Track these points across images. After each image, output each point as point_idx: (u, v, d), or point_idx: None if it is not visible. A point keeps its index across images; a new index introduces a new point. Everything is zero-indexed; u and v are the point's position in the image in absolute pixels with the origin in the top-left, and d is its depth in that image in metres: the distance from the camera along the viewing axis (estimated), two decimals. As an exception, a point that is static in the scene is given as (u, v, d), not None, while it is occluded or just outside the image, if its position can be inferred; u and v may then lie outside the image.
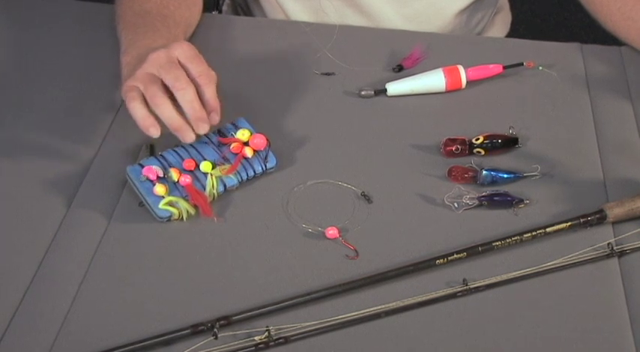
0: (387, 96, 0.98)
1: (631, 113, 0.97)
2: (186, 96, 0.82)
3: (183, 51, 0.85)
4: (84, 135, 0.93)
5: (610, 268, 0.81)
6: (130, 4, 0.99)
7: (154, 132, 0.82)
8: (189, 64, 0.84)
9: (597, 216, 0.83)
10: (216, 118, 0.84)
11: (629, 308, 0.77)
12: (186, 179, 0.84)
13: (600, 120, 0.96)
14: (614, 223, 0.84)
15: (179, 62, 0.84)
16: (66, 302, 0.77)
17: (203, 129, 0.83)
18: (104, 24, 1.08)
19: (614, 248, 0.81)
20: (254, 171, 0.87)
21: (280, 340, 0.74)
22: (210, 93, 0.84)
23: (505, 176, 0.88)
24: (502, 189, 0.87)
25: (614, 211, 0.83)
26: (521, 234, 0.82)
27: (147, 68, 0.84)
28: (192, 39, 1.05)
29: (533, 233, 0.82)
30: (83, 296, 0.77)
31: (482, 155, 0.91)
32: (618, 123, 0.96)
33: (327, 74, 1.00)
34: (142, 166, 0.85)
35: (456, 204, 0.86)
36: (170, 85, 0.83)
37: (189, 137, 0.83)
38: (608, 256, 0.81)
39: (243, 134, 0.88)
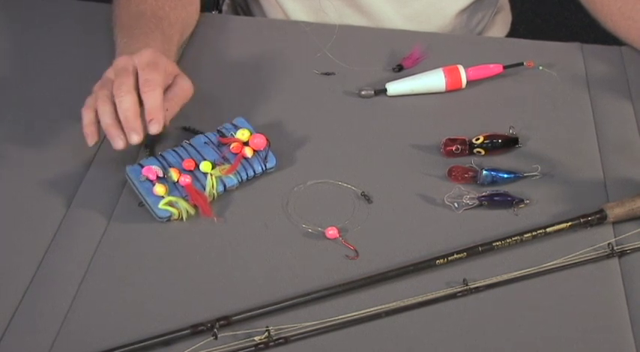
0: (387, 96, 0.98)
1: (631, 113, 0.97)
2: (122, 104, 0.82)
3: (141, 58, 0.85)
4: (84, 135, 0.93)
5: (610, 268, 0.81)
6: (126, 5, 0.99)
7: (88, 140, 0.85)
8: (141, 71, 0.84)
9: (597, 216, 0.83)
10: (155, 128, 0.83)
11: (629, 308, 0.77)
12: (185, 179, 0.84)
13: (600, 120, 0.96)
14: (614, 223, 0.84)
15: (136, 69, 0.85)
16: (66, 302, 0.77)
17: (132, 139, 0.82)
18: (105, 24, 1.07)
19: (615, 248, 0.81)
20: (254, 171, 0.87)
21: (280, 340, 0.74)
22: (150, 101, 0.83)
23: (505, 176, 0.88)
24: (502, 189, 0.87)
25: (614, 211, 0.83)
26: (521, 234, 0.81)
27: (108, 73, 0.86)
28: (192, 39, 1.06)
29: (534, 233, 0.82)
30: (83, 296, 0.77)
31: (483, 155, 0.91)
32: (618, 123, 0.96)
33: (327, 74, 1.00)
34: (142, 166, 0.85)
35: (456, 204, 0.86)
36: (113, 93, 0.83)
37: (116, 144, 0.83)
38: (609, 256, 0.81)
39: (243, 134, 0.88)
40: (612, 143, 0.93)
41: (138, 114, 0.83)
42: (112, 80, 0.85)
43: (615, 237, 0.83)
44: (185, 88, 0.89)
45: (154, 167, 0.84)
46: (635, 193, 0.85)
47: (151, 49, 0.87)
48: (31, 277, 0.79)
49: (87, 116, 0.85)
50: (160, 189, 0.83)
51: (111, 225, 0.83)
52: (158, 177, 0.84)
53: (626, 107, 0.98)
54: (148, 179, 0.84)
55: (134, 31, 0.95)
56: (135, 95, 0.83)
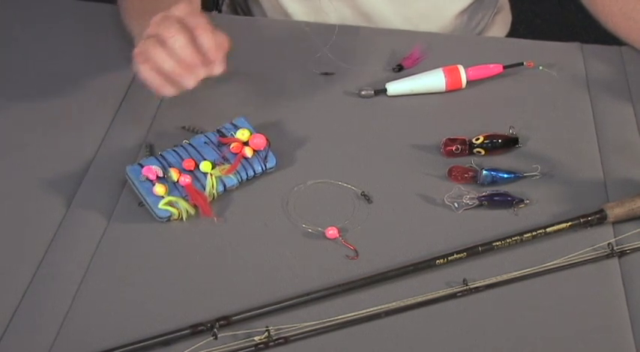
0: (387, 96, 0.98)
1: (631, 113, 0.97)
2: (177, 43, 0.79)
3: (179, 9, 0.82)
4: (83, 135, 0.93)
5: (610, 268, 0.81)
6: None
7: (167, 91, 0.81)
8: (187, 18, 0.81)
9: (597, 216, 0.83)
10: (219, 68, 0.82)
11: (629, 308, 0.77)
12: (185, 179, 0.84)
13: (600, 120, 0.96)
14: (614, 223, 0.84)
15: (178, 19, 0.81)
16: (65, 302, 0.77)
17: (199, 75, 0.81)
18: (104, 24, 1.08)
19: (615, 248, 0.81)
20: (254, 171, 0.88)
21: (280, 340, 0.74)
22: (207, 42, 0.80)
23: (505, 176, 0.88)
24: (502, 189, 0.87)
25: (614, 211, 0.83)
26: (521, 234, 0.82)
27: (147, 32, 0.82)
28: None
29: (534, 233, 0.82)
30: (83, 296, 0.77)
31: (483, 155, 0.91)
32: (618, 123, 0.96)
33: (327, 74, 1.00)
34: (142, 166, 0.85)
35: (456, 204, 0.86)
36: (163, 37, 0.79)
37: (188, 83, 0.81)
38: (609, 256, 0.81)
39: (242, 134, 0.88)
40: (612, 143, 0.93)
41: (195, 51, 0.80)
42: (151, 35, 0.80)
43: (615, 237, 0.83)
44: (224, 37, 0.84)
45: (153, 167, 0.84)
46: (635, 193, 0.85)
47: (183, 3, 0.82)
48: (31, 277, 0.79)
49: (146, 71, 0.81)
50: (159, 189, 0.83)
51: (111, 225, 0.84)
52: (158, 177, 0.84)
53: (626, 107, 0.98)
54: (147, 179, 0.84)
55: (148, 15, 0.92)
56: (188, 34, 0.79)
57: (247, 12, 1.24)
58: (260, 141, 0.88)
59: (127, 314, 0.76)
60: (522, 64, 1.01)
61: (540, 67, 1.01)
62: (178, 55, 0.80)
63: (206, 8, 1.10)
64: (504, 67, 1.00)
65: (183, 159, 0.86)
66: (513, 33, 1.31)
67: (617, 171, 0.90)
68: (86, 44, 1.06)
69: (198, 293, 0.78)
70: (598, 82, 1.01)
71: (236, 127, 0.89)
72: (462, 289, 0.78)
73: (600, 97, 0.99)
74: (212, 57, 0.81)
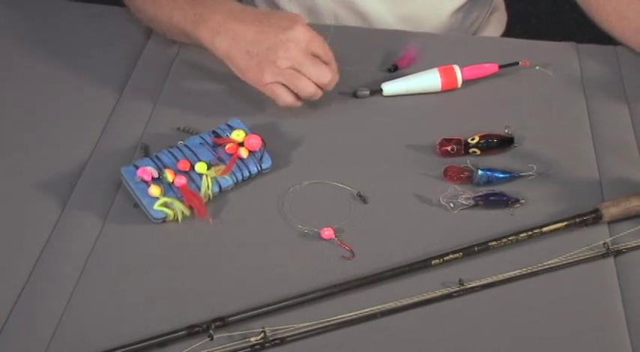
0: (382, 96, 0.99)
1: (626, 113, 0.98)
2: (316, 75, 0.91)
3: (303, 33, 0.90)
4: (78, 136, 0.93)
5: (606, 268, 0.81)
6: None
7: (296, 104, 0.93)
8: (310, 44, 0.91)
9: (593, 215, 0.83)
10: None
11: (625, 307, 0.78)
12: (181, 180, 0.84)
13: (596, 120, 0.97)
14: (609, 223, 0.84)
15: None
16: (61, 303, 0.77)
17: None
18: (99, 25, 1.08)
19: (610, 247, 0.82)
20: (249, 172, 0.88)
21: (276, 341, 0.74)
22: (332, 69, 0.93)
23: (501, 176, 0.88)
24: (498, 188, 0.87)
25: (609, 211, 0.84)
26: (517, 233, 0.82)
27: (280, 58, 0.89)
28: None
29: (529, 233, 0.82)
30: (78, 297, 0.78)
31: (478, 155, 0.91)
32: (614, 122, 0.97)
33: (323, 75, 1.00)
34: (137, 167, 0.85)
35: (451, 204, 0.86)
36: (303, 72, 0.91)
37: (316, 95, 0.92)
38: (604, 256, 0.81)
39: (238, 135, 0.88)
40: (607, 143, 0.94)
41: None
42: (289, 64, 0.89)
43: (611, 237, 0.83)
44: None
45: (148, 168, 0.84)
46: (630, 193, 0.85)
47: (303, 27, 0.90)
48: (27, 278, 0.79)
49: (287, 96, 0.91)
50: (155, 190, 0.83)
51: (106, 227, 0.84)
52: (153, 178, 0.84)
53: (622, 107, 0.99)
54: (143, 180, 0.84)
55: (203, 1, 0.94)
56: (319, 61, 0.91)
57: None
58: (255, 141, 0.88)
59: (123, 315, 0.76)
60: (518, 63, 1.01)
61: (537, 67, 1.02)
62: (318, 82, 0.91)
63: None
64: (500, 67, 1.01)
65: (178, 160, 0.86)
66: (509, 32, 1.31)
67: (612, 171, 0.90)
68: (81, 45, 1.06)
69: (194, 294, 0.78)
70: (593, 81, 1.02)
71: (231, 128, 0.90)
72: (457, 289, 0.78)
73: (595, 97, 1.00)
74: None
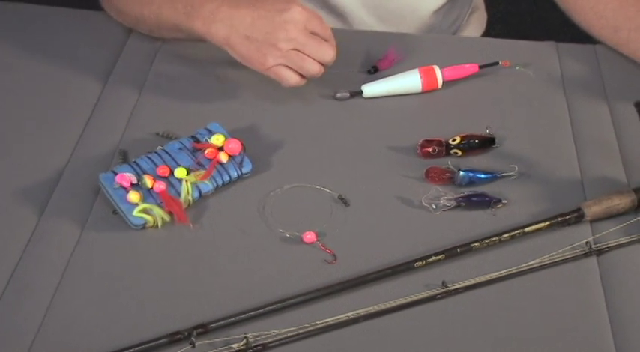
0: (362, 98, 0.99)
1: (607, 111, 0.98)
2: (321, 54, 0.92)
3: (300, 13, 0.91)
4: (56, 143, 0.93)
5: (589, 267, 0.82)
6: None
7: (301, 83, 0.94)
8: (309, 22, 0.92)
9: (575, 214, 0.84)
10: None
11: (607, 306, 0.78)
12: (160, 186, 0.84)
13: (577, 119, 0.97)
14: (592, 222, 0.85)
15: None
16: (39, 313, 0.76)
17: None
18: (75, 30, 1.07)
19: (593, 246, 0.82)
20: (229, 177, 0.87)
21: (258, 347, 0.74)
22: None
23: (482, 176, 0.88)
24: (480, 189, 0.88)
25: (591, 210, 0.84)
26: (499, 234, 0.82)
27: (283, 39, 0.90)
28: (163, 43, 1.05)
29: (512, 233, 0.82)
30: (57, 306, 0.77)
31: (460, 156, 0.91)
32: (594, 121, 0.97)
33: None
34: (115, 173, 0.84)
35: (433, 206, 0.86)
36: (306, 51, 0.92)
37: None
38: (587, 255, 0.82)
39: (217, 139, 0.88)
40: (589, 141, 0.94)
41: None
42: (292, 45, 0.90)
43: (593, 236, 0.83)
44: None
45: (127, 174, 0.84)
46: (612, 191, 0.85)
47: (299, 6, 0.91)
48: (4, 288, 0.78)
49: (292, 77, 0.92)
50: (134, 196, 0.83)
51: (84, 234, 0.83)
52: (132, 184, 0.84)
53: (602, 105, 0.99)
54: (121, 186, 0.84)
55: None
56: (319, 40, 0.92)
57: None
58: (235, 146, 0.88)
59: (103, 324, 0.76)
60: (498, 63, 1.01)
61: (517, 67, 1.02)
62: (321, 60, 0.92)
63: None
64: (480, 67, 1.01)
65: (157, 166, 0.86)
66: (490, 32, 1.32)
67: (594, 169, 0.91)
68: (57, 50, 1.05)
69: (174, 300, 0.78)
70: (573, 80, 1.02)
71: (210, 132, 0.89)
72: (441, 291, 0.78)
73: (576, 96, 1.00)
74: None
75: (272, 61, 0.91)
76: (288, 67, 0.92)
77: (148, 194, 0.84)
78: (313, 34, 0.92)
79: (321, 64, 0.92)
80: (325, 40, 0.93)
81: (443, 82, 0.99)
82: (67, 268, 0.80)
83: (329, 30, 0.94)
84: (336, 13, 1.14)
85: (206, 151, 0.87)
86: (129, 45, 1.05)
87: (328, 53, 0.92)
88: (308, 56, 0.91)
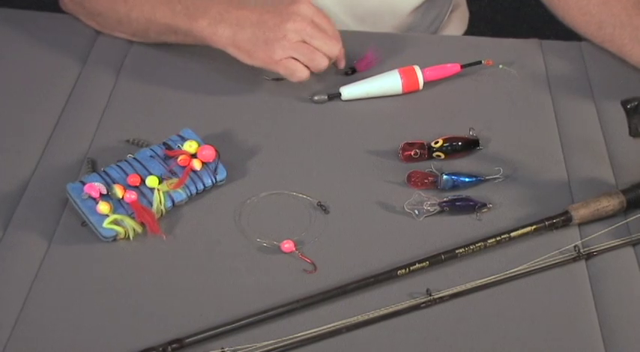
0: (341, 100, 0.99)
1: (593, 110, 0.99)
2: (327, 48, 0.95)
3: (308, 6, 0.95)
4: (20, 152, 0.92)
5: (577, 271, 0.82)
6: None
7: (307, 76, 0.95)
8: (315, 17, 0.95)
9: (562, 218, 0.84)
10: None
11: (597, 311, 0.79)
12: (131, 195, 0.83)
13: (563, 119, 0.98)
14: (580, 225, 0.85)
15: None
16: (5, 330, 0.76)
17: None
18: (40, 34, 1.07)
19: (581, 250, 0.83)
20: (203, 185, 0.87)
21: (236, 362, 0.74)
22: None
23: (466, 180, 0.89)
24: (464, 193, 0.88)
25: (579, 212, 0.84)
26: (485, 239, 0.83)
27: (292, 31, 0.93)
28: (130, 46, 1.05)
29: (498, 238, 0.83)
30: (23, 323, 0.76)
31: (442, 159, 0.92)
32: (581, 120, 0.98)
33: (278, 80, 1.00)
34: (84, 183, 0.84)
35: (416, 211, 0.86)
36: (314, 45, 0.94)
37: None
38: (575, 259, 0.82)
39: (190, 146, 0.88)
40: (575, 141, 0.95)
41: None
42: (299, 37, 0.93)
43: (581, 239, 0.84)
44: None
45: (96, 184, 0.84)
46: (600, 192, 0.86)
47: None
48: (-32, 306, 0.78)
49: (302, 71, 0.94)
50: (103, 207, 0.82)
51: (52, 248, 0.83)
52: (101, 195, 0.84)
53: (588, 104, 1.00)
54: (90, 197, 0.83)
55: None
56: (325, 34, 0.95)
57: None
58: (209, 152, 0.88)
59: (72, 341, 0.75)
60: (481, 62, 1.02)
61: (500, 66, 1.03)
62: (329, 54, 0.95)
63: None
64: (462, 67, 1.01)
65: (127, 175, 0.86)
66: (473, 30, 1.32)
67: (581, 171, 0.91)
68: (22, 54, 1.05)
69: (148, 315, 0.78)
70: (558, 79, 1.03)
71: (183, 139, 0.89)
72: (425, 300, 0.78)
73: (561, 95, 1.01)
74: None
75: (281, 53, 0.92)
76: (296, 60, 0.93)
77: (118, 204, 0.83)
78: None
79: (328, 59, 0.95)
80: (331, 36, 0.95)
81: (424, 83, 1.00)
82: (33, 283, 0.80)
83: (334, 25, 0.96)
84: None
85: (179, 159, 0.87)
86: (97, 48, 1.05)
87: (336, 47, 0.95)
88: (317, 49, 0.93)
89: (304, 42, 0.93)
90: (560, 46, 1.08)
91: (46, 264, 0.81)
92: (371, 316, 0.77)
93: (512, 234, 0.83)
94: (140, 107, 0.98)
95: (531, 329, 0.77)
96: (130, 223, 0.83)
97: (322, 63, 0.94)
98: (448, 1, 1.25)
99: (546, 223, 0.84)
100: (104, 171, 0.86)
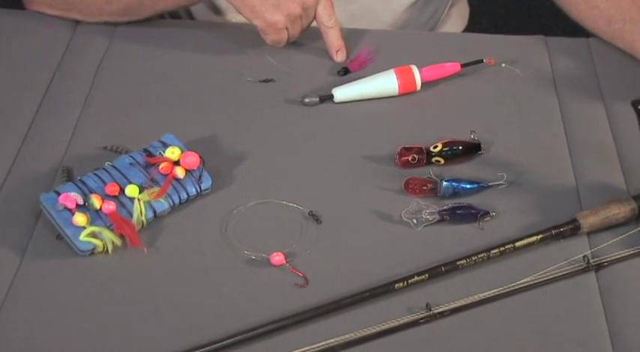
0: (333, 102, 0.99)
1: (602, 111, 1.00)
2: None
3: None
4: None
5: (587, 283, 0.82)
6: None
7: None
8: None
9: (570, 226, 0.85)
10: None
11: (609, 325, 0.79)
12: (109, 206, 0.84)
13: (570, 120, 0.99)
14: (589, 233, 0.86)
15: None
16: (-24, 352, 0.76)
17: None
18: (11, 33, 1.07)
19: (591, 261, 0.83)
20: (187, 194, 0.88)
21: (223, 383, 0.74)
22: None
23: (468, 186, 0.89)
24: (465, 201, 0.89)
25: (588, 220, 0.85)
26: (488, 250, 0.83)
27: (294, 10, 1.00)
28: (110, 48, 1.05)
29: (502, 248, 0.83)
30: (-4, 344, 0.77)
31: (442, 164, 0.92)
32: (589, 122, 0.99)
33: (266, 81, 1.01)
34: (59, 193, 0.84)
35: (414, 220, 0.87)
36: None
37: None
38: (585, 270, 0.83)
39: (172, 152, 0.88)
40: (583, 144, 0.96)
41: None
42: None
43: (591, 249, 0.84)
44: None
45: (72, 194, 0.84)
46: (610, 199, 0.87)
47: None
48: None
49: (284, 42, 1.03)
50: (80, 218, 0.83)
51: (25, 262, 0.83)
52: (78, 205, 0.84)
53: (597, 104, 1.01)
54: (65, 208, 0.83)
55: None
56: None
57: (174, 14, 1.24)
58: (193, 159, 0.88)
59: (48, 362, 0.76)
60: (482, 61, 1.03)
61: (503, 64, 1.03)
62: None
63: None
64: (462, 66, 1.02)
65: (106, 184, 0.86)
66: (474, 25, 1.33)
67: (589, 176, 0.92)
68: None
69: (128, 333, 0.78)
70: (565, 77, 1.04)
71: (165, 145, 0.89)
72: (425, 315, 0.79)
73: (568, 95, 1.02)
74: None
75: (283, 22, 0.99)
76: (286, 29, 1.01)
77: (96, 215, 0.84)
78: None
79: None
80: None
81: (422, 83, 1.00)
82: (5, 300, 0.80)
83: (335, 16, 1.04)
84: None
85: (160, 166, 0.87)
86: (72, 46, 1.05)
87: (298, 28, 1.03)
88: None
89: (300, 18, 1.00)
90: (567, 42, 1.09)
91: (19, 280, 0.81)
92: (367, 333, 0.78)
93: (517, 244, 0.83)
94: (119, 111, 0.98)
95: (538, 346, 0.78)
96: (108, 236, 0.83)
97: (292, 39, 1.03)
98: (447, -4, 1.26)
99: (553, 232, 0.84)
100: (80, 180, 0.86)
